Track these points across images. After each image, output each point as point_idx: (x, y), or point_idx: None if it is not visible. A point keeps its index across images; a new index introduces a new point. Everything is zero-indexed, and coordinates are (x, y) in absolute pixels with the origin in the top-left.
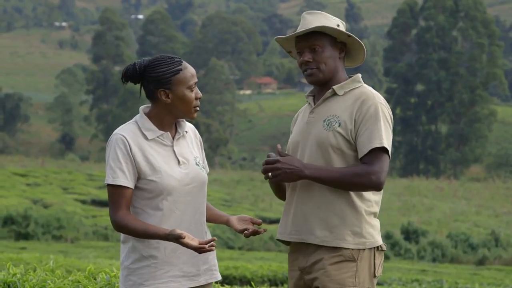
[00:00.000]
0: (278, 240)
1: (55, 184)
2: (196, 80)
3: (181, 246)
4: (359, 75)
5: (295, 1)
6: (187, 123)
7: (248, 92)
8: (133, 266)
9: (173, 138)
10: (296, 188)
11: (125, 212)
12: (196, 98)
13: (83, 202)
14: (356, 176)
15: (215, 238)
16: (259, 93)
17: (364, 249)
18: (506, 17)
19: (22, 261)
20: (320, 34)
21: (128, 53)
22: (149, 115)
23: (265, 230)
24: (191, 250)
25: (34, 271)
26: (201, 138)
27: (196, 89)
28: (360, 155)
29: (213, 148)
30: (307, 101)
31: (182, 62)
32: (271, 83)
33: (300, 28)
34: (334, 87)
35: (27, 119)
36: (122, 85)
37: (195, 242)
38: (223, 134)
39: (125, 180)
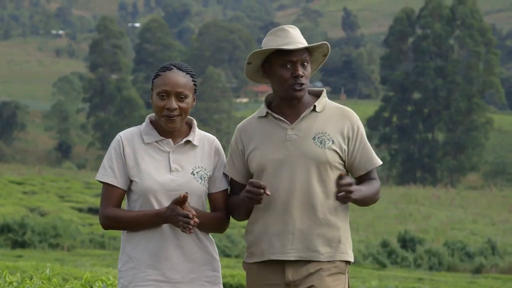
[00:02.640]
0: (271, 260)
1: (51, 192)
2: (167, 89)
3: (167, 251)
4: (324, 89)
5: (292, 10)
6: (206, 134)
7: (245, 100)
8: (122, 269)
9: (175, 145)
10: (291, 208)
11: (113, 208)
12: (166, 108)
13: (80, 210)
14: (377, 193)
15: (195, 214)
16: (256, 101)
17: (349, 263)
18: (503, 25)
19: (19, 269)
20: (307, 50)
21: (125, 61)
22: (154, 122)
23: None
24: (178, 255)
25: (31, 279)
26: (219, 149)
27: (169, 100)
28: (362, 172)
29: None
30: (260, 116)
31: (170, 69)
32: (268, 91)
33: (286, 41)
34: (316, 104)
35: (24, 127)
36: (119, 93)
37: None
38: (219, 142)
39: (114, 179)
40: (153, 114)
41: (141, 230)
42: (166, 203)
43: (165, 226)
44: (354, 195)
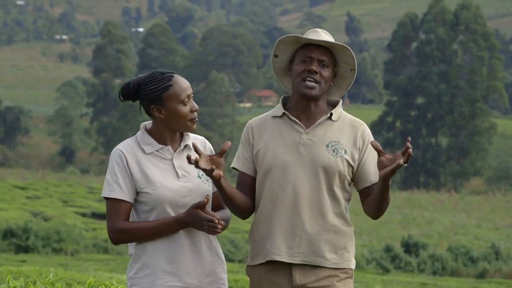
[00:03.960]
0: (275, 260)
1: (55, 197)
2: (188, 93)
3: (184, 257)
4: (340, 100)
5: (295, 14)
6: (197, 136)
7: (248, 105)
8: (136, 276)
9: (175, 152)
10: (300, 211)
11: (125, 221)
12: (191, 111)
13: (83, 215)
14: (389, 200)
15: (219, 217)
16: (259, 106)
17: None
18: (506, 30)
19: (22, 274)
20: (331, 54)
21: (128, 66)
22: (149, 130)
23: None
24: (195, 261)
25: (34, 284)
26: (212, 150)
27: (191, 102)
28: (367, 184)
29: None
30: (275, 115)
31: (173, 77)
32: (271, 96)
33: (312, 36)
34: (333, 112)
35: (28, 132)
36: None
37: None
38: None
39: (121, 193)
40: (147, 122)
41: (157, 239)
42: (179, 209)
43: (182, 232)
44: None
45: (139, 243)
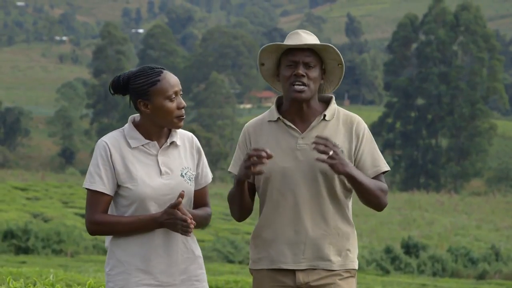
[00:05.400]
0: (280, 269)
1: (55, 198)
2: (176, 89)
3: (158, 255)
4: (333, 96)
5: (295, 15)
6: (185, 132)
7: (248, 106)
8: (111, 273)
9: (161, 148)
10: (303, 217)
11: (103, 214)
12: (178, 108)
13: (83, 216)
14: (381, 190)
15: (193, 222)
16: (259, 107)
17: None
18: (506, 31)
19: (22, 275)
20: (315, 53)
21: (128, 67)
22: (136, 124)
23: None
24: (169, 259)
25: (34, 285)
26: (199, 147)
27: (179, 99)
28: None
29: (213, 162)
30: (270, 120)
31: (162, 72)
32: (271, 97)
33: (295, 42)
34: (326, 113)
35: (28, 133)
36: (123, 99)
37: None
38: (223, 148)
39: (102, 186)
40: (136, 115)
41: (132, 235)
42: (159, 207)
43: (158, 231)
44: (343, 166)
45: (114, 237)
